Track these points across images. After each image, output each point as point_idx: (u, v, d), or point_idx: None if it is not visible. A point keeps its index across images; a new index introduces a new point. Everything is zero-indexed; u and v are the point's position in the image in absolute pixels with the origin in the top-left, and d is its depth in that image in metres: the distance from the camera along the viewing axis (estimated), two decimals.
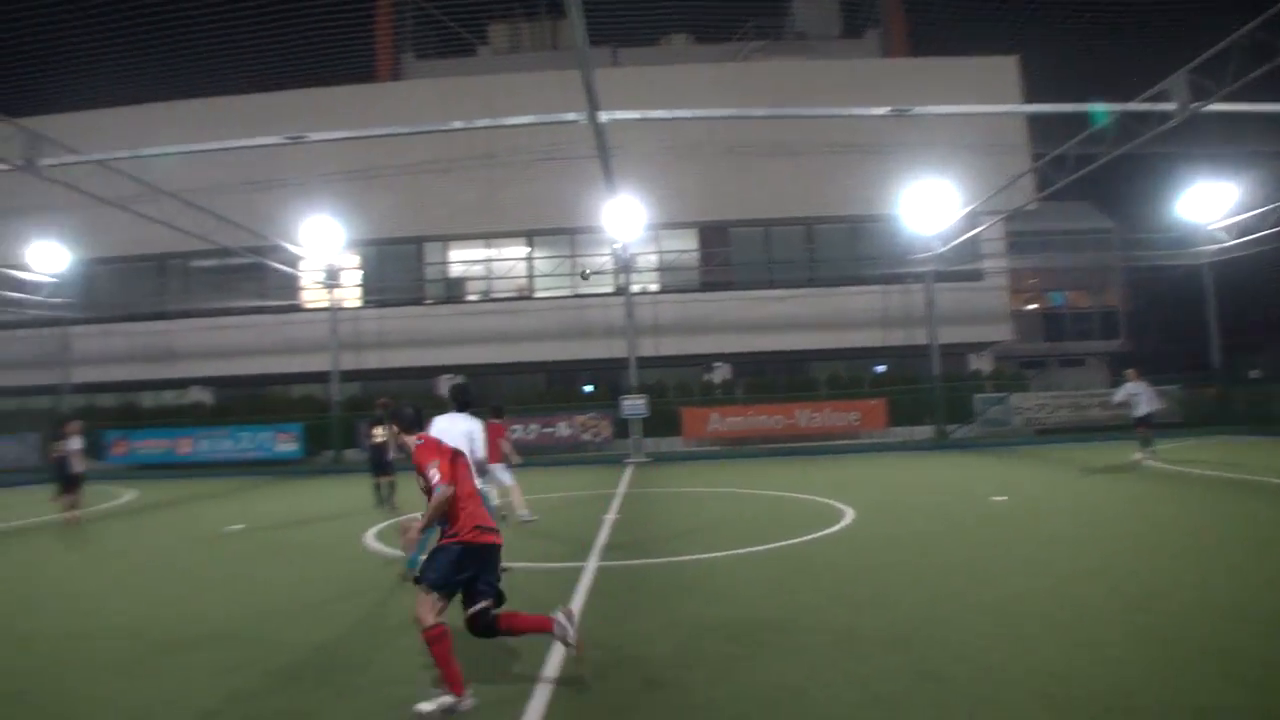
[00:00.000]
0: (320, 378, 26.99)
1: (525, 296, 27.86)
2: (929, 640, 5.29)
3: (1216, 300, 25.44)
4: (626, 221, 21.38)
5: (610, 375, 26.76)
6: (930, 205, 22.31)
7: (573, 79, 14.79)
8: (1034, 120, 25.04)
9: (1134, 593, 6.28)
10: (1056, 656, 4.87)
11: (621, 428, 24.03)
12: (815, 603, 6.40)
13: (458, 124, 15.92)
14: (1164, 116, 14.39)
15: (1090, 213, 35.76)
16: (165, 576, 8.76)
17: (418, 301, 28.24)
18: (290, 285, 27.90)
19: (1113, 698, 4.19)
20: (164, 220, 19.86)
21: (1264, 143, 21.21)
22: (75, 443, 13.53)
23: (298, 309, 28.35)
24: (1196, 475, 13.91)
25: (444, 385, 27.14)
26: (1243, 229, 23.74)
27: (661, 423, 24.26)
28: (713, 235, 27.58)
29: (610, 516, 11.76)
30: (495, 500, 11.54)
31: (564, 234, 27.50)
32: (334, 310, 26.74)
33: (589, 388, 27.25)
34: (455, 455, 4.78)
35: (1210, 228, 24.53)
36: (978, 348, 27.57)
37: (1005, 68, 26.84)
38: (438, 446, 4.77)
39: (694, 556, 8.46)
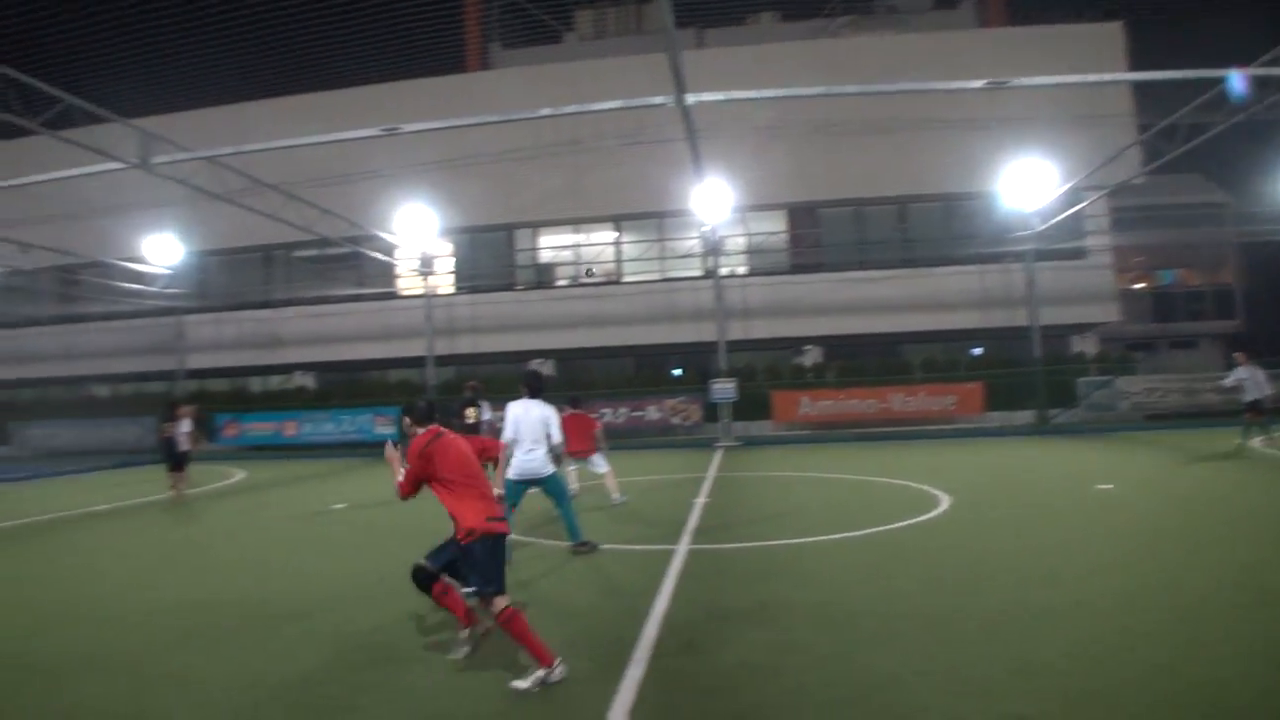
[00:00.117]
0: (416, 362, 27.73)
1: (614, 281, 27.99)
2: (1028, 631, 5.14)
3: None
4: (714, 204, 21.20)
5: (699, 359, 26.69)
6: (1029, 181, 21.44)
7: (658, 62, 14.71)
8: (1140, 89, 23.78)
9: (1249, 586, 5.98)
10: (1162, 652, 4.68)
11: (711, 411, 23.97)
12: (909, 590, 6.29)
13: (545, 111, 16.01)
14: None
15: (1203, 186, 33.86)
16: (271, 552, 9.15)
17: (508, 287, 28.69)
18: (387, 273, 28.71)
19: (1219, 695, 4.00)
20: (268, 213, 20.62)
21: None
22: (185, 425, 14.41)
23: (394, 296, 29.15)
24: None
25: (536, 369, 27.50)
26: None
27: (751, 406, 24.11)
28: (802, 216, 27.17)
29: (700, 500, 11.77)
30: (575, 485, 11.75)
31: (651, 218, 27.49)
32: (429, 297, 27.39)
33: (678, 371, 27.24)
34: (433, 454, 4.97)
35: None
36: (1081, 329, 26.45)
37: (1109, 34, 25.53)
38: (420, 452, 4.99)
39: (785, 541, 8.40)
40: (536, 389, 8.11)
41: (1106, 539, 7.96)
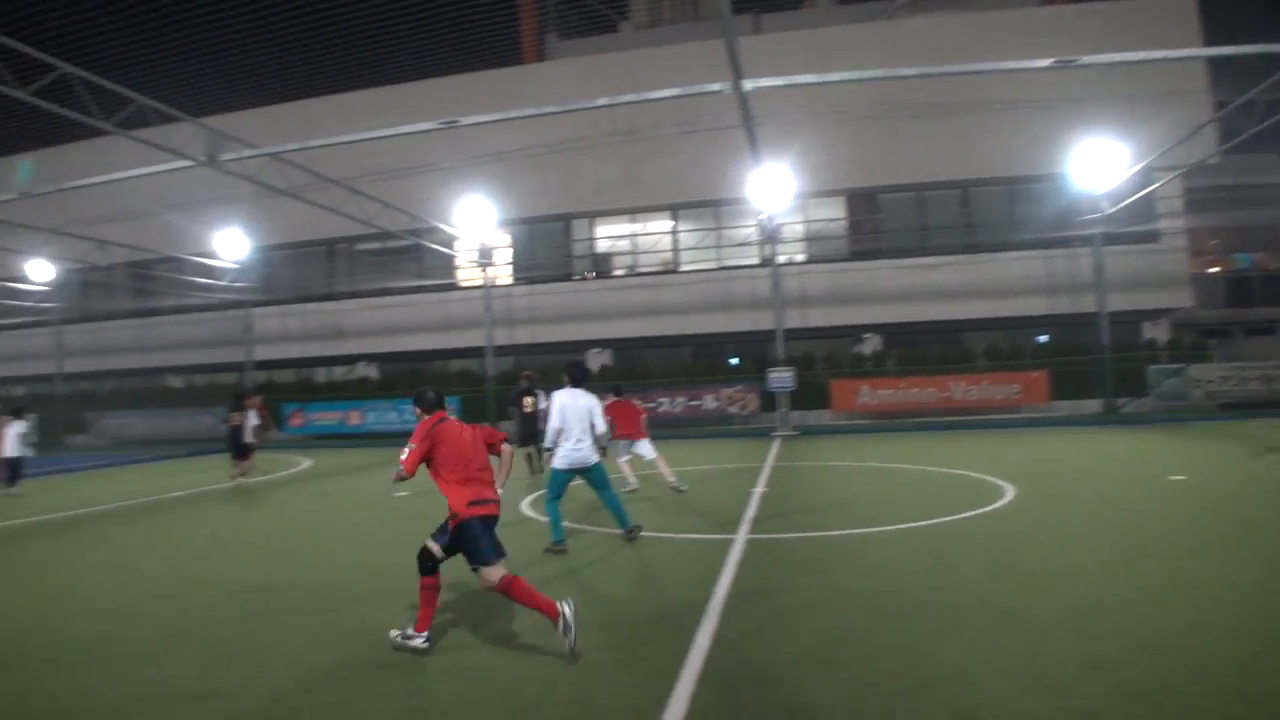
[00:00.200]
0: (475, 353, 28.11)
1: (671, 270, 27.96)
2: (1099, 626, 5.00)
3: None
4: (772, 191, 21.01)
5: (757, 347, 26.53)
6: (1098, 162, 20.81)
7: (714, 49, 14.63)
8: (1215, 65, 22.84)
9: None
10: (1241, 650, 4.52)
11: (768, 400, 23.84)
12: (974, 581, 6.18)
13: (602, 100, 16.05)
14: None
15: None
16: (337, 536, 9.36)
17: (566, 277, 28.85)
18: (447, 265, 29.11)
19: None
20: (331, 207, 21.04)
21: None
22: (253, 417, 14.98)
23: (454, 287, 29.54)
24: None
25: (592, 359, 27.68)
26: None
27: (809, 395, 23.92)
28: (861, 202, 26.76)
29: (758, 490, 11.71)
30: (633, 479, 11.79)
31: (708, 206, 27.36)
32: (487, 288, 27.70)
33: (735, 360, 27.12)
34: (436, 436, 5.19)
35: None
36: (1152, 315, 25.61)
37: (1181, 8, 24.56)
38: (427, 433, 5.21)
39: (845, 531, 8.33)
40: (579, 378, 8.20)
41: (1180, 532, 7.73)
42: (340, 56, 28.89)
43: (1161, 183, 21.75)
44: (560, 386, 8.24)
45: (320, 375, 31.63)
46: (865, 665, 4.50)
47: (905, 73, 16.22)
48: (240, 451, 15.01)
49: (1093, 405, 22.99)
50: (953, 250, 25.54)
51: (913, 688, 4.16)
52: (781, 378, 22.93)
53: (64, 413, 32.26)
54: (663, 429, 24.30)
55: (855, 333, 26.23)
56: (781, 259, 25.60)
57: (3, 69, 11.75)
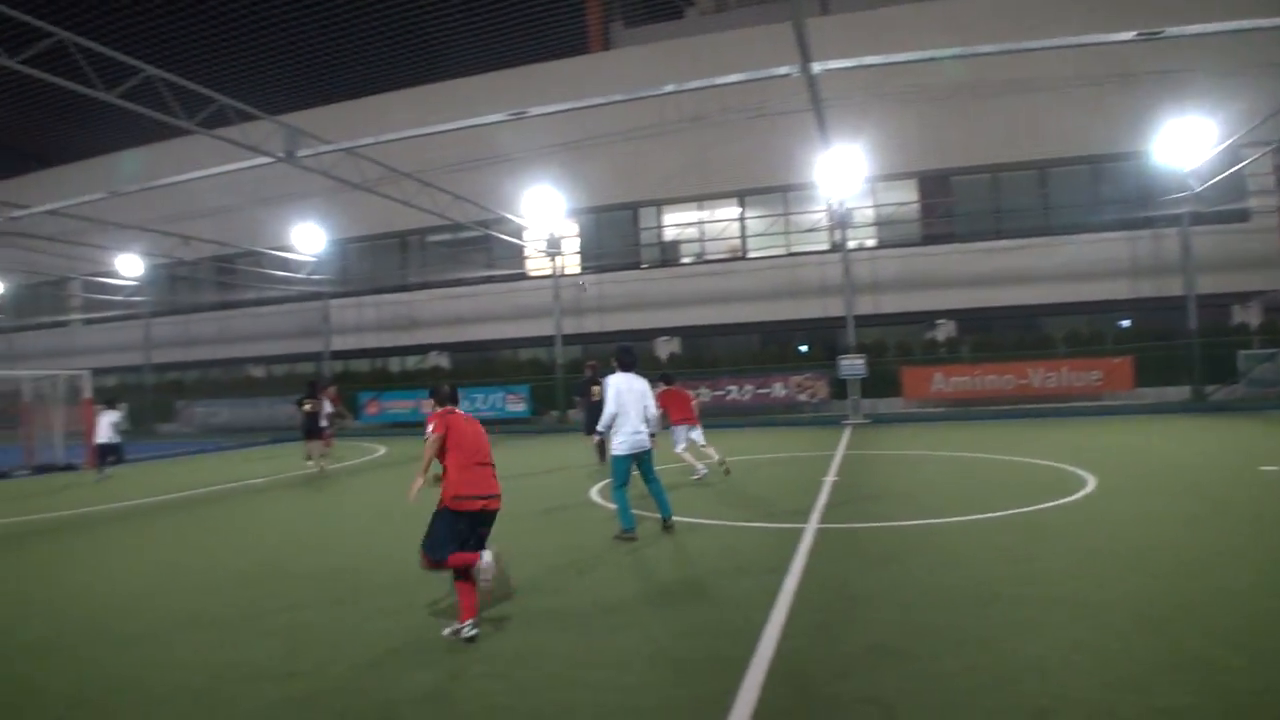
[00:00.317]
0: (545, 342, 28.39)
1: (739, 257, 27.78)
2: (1184, 622, 4.81)
3: None
4: (842, 176, 20.69)
5: (826, 335, 26.20)
6: (1185, 139, 19.96)
7: (781, 32, 14.47)
8: None
9: None
10: None
11: (839, 388, 23.56)
12: (1053, 574, 6.02)
13: (669, 87, 15.99)
14: None
15: None
16: (410, 522, 9.51)
17: (634, 266, 28.89)
18: (516, 255, 29.42)
19: None
20: (403, 200, 21.42)
21: None
22: (328, 406, 15.74)
23: (523, 277, 29.85)
24: None
25: (661, 347, 27.72)
26: None
27: (881, 383, 23.56)
28: (934, 185, 26.13)
29: (829, 478, 11.59)
30: (701, 467, 11.85)
31: (777, 192, 27.06)
32: (556, 277, 27.93)
33: (804, 348, 26.84)
34: (450, 425, 5.59)
35: None
36: (1243, 298, 24.46)
37: None
38: (443, 418, 5.62)
39: (919, 521, 8.18)
40: (629, 363, 8.24)
41: (1270, 526, 7.39)
42: (411, 51, 29.38)
43: (1252, 159, 20.72)
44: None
45: (394, 365, 32.34)
46: (939, 658, 4.42)
47: (980, 50, 15.82)
48: (314, 435, 15.85)
49: (1179, 392, 22.14)
50: (1029, 233, 24.76)
51: (989, 682, 4.08)
52: (852, 365, 22.63)
53: (153, 402, 33.64)
54: (731, 417, 24.28)
55: (928, 319, 25.67)
56: (852, 244, 25.22)
57: (91, 73, 12.23)
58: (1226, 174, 20.98)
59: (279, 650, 5.12)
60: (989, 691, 3.97)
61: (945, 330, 25.57)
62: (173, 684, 4.59)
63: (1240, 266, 23.18)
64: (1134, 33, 14.08)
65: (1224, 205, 22.73)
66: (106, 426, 16.79)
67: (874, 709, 3.84)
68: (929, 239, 25.85)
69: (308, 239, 26.89)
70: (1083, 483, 10.06)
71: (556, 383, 26.92)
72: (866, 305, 25.14)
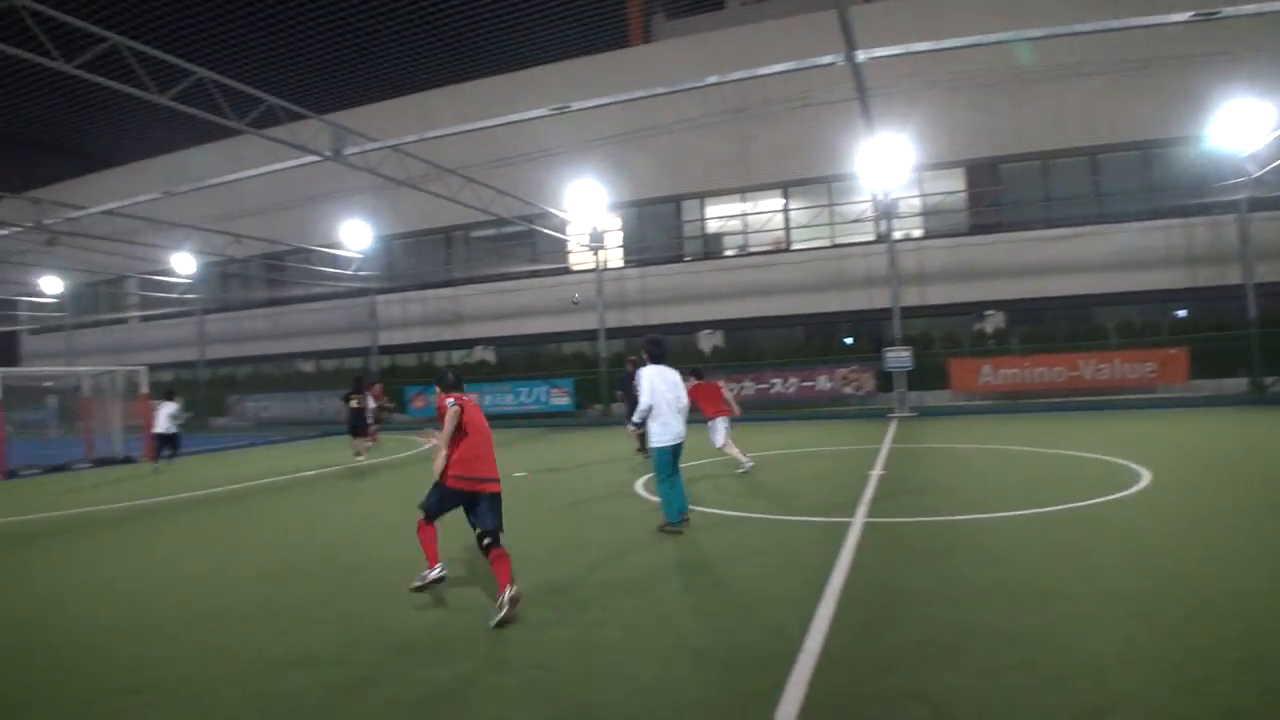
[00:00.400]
0: (588, 335, 28.47)
1: (782, 249, 27.58)
2: (1244, 622, 4.69)
3: None
4: (887, 165, 20.42)
5: (872, 327, 25.92)
6: (1242, 122, 19.35)
7: (824, 20, 14.30)
8: None
9: None
10: None
11: (885, 381, 23.30)
12: (1108, 571, 5.90)
13: (712, 79, 15.88)
14: None
15: None
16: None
17: (677, 259, 28.84)
18: (559, 249, 29.54)
19: None
20: (448, 196, 21.60)
21: None
22: (371, 401, 16.40)
23: (567, 271, 29.97)
24: None
25: (704, 340, 27.66)
26: None
27: (927, 375, 23.25)
28: (982, 174, 25.66)
29: (876, 472, 11.48)
30: (746, 459, 11.84)
31: (821, 183, 26.80)
32: (599, 271, 28.00)
33: (849, 340, 26.59)
34: (469, 412, 5.97)
35: None
36: None
37: None
38: (459, 410, 5.92)
39: (968, 516, 8.07)
40: (658, 355, 8.24)
41: None
42: (455, 49, 29.61)
43: None
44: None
45: (440, 359, 32.67)
46: (992, 654, 4.36)
47: (1028, 34, 15.50)
48: (360, 430, 16.27)
49: (1237, 385, 21.52)
50: (1081, 221, 24.21)
51: (1042, 679, 4.01)
52: (898, 357, 22.37)
53: (206, 396, 34.40)
54: (775, 410, 24.16)
55: (976, 310, 25.24)
56: (898, 234, 24.89)
57: (145, 76, 12.50)
58: None
59: (332, 639, 5.22)
60: (1042, 689, 3.91)
61: (994, 321, 25.12)
62: (229, 670, 4.70)
63: None
64: (1189, 13, 13.69)
65: None
66: (164, 418, 17.27)
67: (923, 706, 3.80)
68: (977, 229, 25.39)
69: (355, 236, 27.26)
70: (1137, 477, 9.84)
71: (600, 376, 27.00)
72: (913, 296, 24.82)
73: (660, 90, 16.18)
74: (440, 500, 5.97)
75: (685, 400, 8.23)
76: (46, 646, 5.38)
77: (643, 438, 13.79)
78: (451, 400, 5.92)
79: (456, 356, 32.26)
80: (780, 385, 24.54)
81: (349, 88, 30.92)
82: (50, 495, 13.89)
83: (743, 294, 27.31)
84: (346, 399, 16.65)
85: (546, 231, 26.78)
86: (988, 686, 3.98)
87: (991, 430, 16.95)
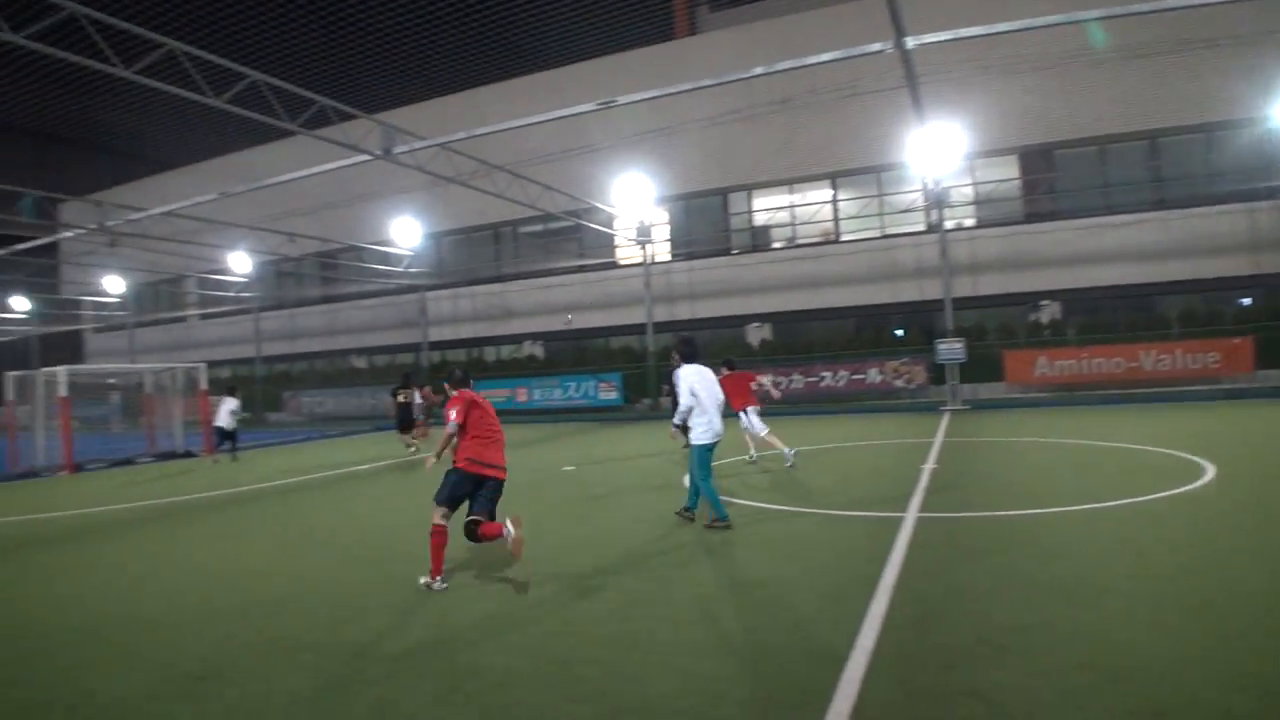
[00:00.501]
0: (636, 329, 28.51)
1: (831, 240, 27.30)
2: None
3: None
4: (937, 153, 20.07)
5: (923, 318, 25.54)
6: None
7: (872, 7, 14.08)
8: None
9: None
10: None
11: (937, 373, 22.96)
12: (1169, 569, 5.74)
13: (758, 70, 15.74)
14: None
15: None
16: (509, 511, 9.67)
17: (724, 252, 28.71)
18: (606, 244, 29.60)
19: None
20: (496, 192, 21.75)
21: None
22: (418, 396, 17.07)
23: (614, 266, 30.02)
24: None
25: (752, 333, 27.52)
26: None
27: (981, 367, 22.85)
28: (1036, 160, 25.09)
29: (928, 466, 11.32)
30: (787, 451, 11.85)
31: (870, 172, 26.45)
32: (647, 265, 28.00)
33: (900, 332, 26.24)
34: (472, 407, 6.57)
35: None
36: None
37: None
38: (462, 401, 6.58)
39: (1024, 511, 7.92)
40: (691, 354, 8.34)
41: None
42: (501, 46, 29.80)
43: None
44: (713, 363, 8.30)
45: (490, 354, 32.99)
46: (1049, 653, 4.28)
47: (1083, 16, 15.08)
48: (407, 425, 16.94)
49: None
50: (1140, 207, 23.55)
51: (1101, 679, 3.92)
52: (951, 349, 22.03)
53: (263, 392, 35.15)
54: (825, 404, 23.96)
55: (1031, 300, 24.70)
56: (949, 224, 24.49)
57: (201, 80, 12.78)
58: None
59: (393, 623, 5.31)
60: (1101, 689, 3.82)
61: (1049, 312, 24.57)
62: (293, 661, 4.80)
63: None
64: None
65: None
66: (226, 414, 17.72)
67: (980, 704, 3.74)
68: (1031, 217, 24.85)
69: (405, 233, 27.62)
70: (1200, 471, 9.57)
71: (648, 370, 27.02)
72: (965, 287, 24.41)
73: (706, 83, 16.08)
74: (454, 488, 6.39)
75: (722, 397, 8.25)
76: (128, 627, 5.54)
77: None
78: (453, 413, 6.54)
79: (505, 351, 32.55)
80: (830, 378, 24.32)
81: (398, 87, 31.31)
82: (118, 488, 14.30)
83: (791, 286, 27.10)
84: (395, 394, 17.09)
85: (593, 226, 26.84)
86: (1044, 685, 3.90)
87: (1047, 423, 16.62)
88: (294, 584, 6.72)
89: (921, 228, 25.74)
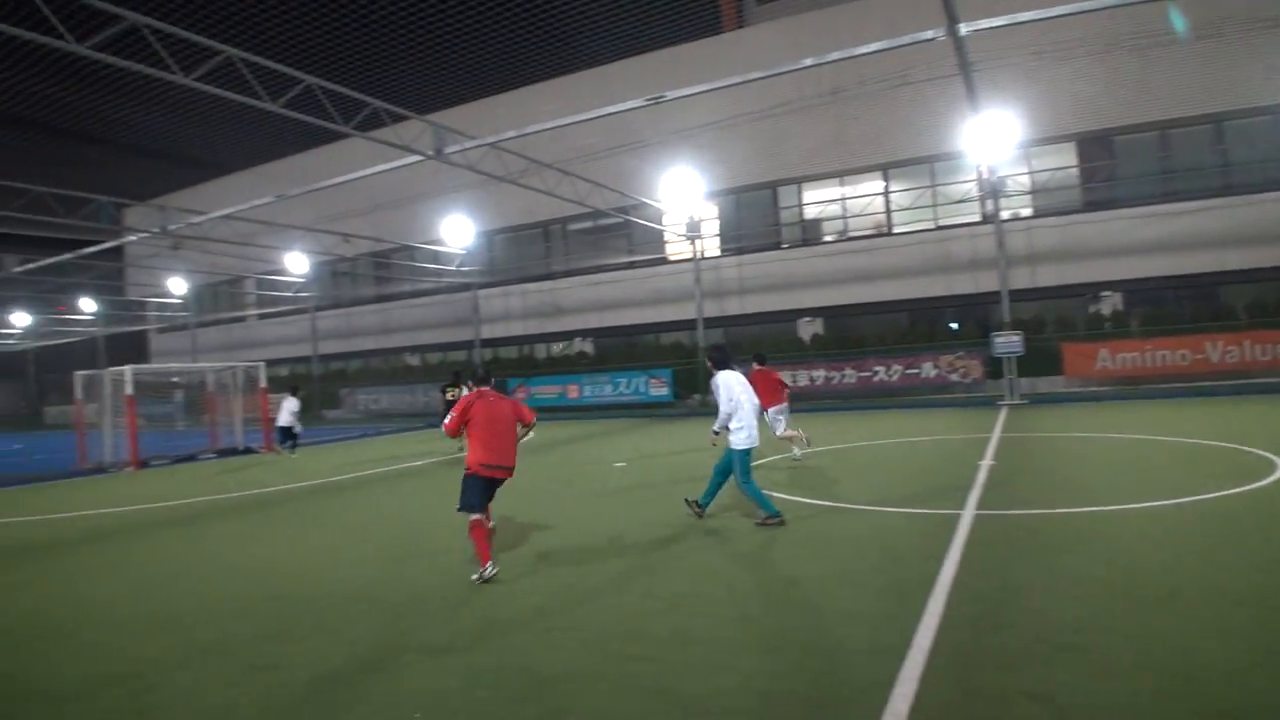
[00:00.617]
0: (687, 325, 28.47)
1: (883, 233, 26.94)
2: None
3: None
4: (992, 142, 19.65)
5: (979, 311, 25.09)
6: None
7: None
8: None
9: None
10: None
11: (994, 367, 22.55)
12: (1238, 568, 5.56)
13: (808, 61, 15.59)
14: None
15: None
16: (554, 503, 9.76)
17: (774, 246, 28.52)
18: (656, 240, 29.58)
19: None
20: (546, 190, 21.88)
21: None
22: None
23: (664, 262, 30.00)
24: None
25: (803, 328, 27.31)
26: None
27: (1039, 360, 22.37)
28: (1094, 147, 24.43)
29: (986, 462, 11.12)
30: (798, 450, 11.81)
31: (922, 163, 26.02)
32: (697, 260, 27.93)
33: (955, 325, 25.81)
34: (472, 410, 6.74)
35: None
36: None
37: None
38: (465, 404, 6.79)
39: (1085, 509, 7.74)
40: (722, 360, 8.32)
41: None
42: (549, 44, 29.89)
43: None
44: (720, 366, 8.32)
45: (540, 351, 33.22)
46: (1113, 654, 4.18)
47: None
48: None
49: None
50: (1204, 194, 22.79)
51: (1166, 682, 3.82)
52: (1008, 342, 21.61)
53: (320, 390, 35.85)
54: (879, 399, 23.70)
55: (1091, 291, 24.09)
56: (1005, 214, 24.00)
57: (258, 86, 13.05)
58: None
59: (440, 625, 5.38)
60: (1167, 692, 3.72)
61: (1110, 303, 23.95)
62: (348, 655, 4.89)
63: None
64: None
65: None
66: (287, 412, 18.11)
67: (1042, 707, 3.66)
68: (1090, 205, 24.23)
69: (456, 232, 27.92)
70: (1270, 467, 9.26)
71: (698, 366, 26.97)
72: (1022, 278, 23.92)
73: (755, 75, 15.95)
74: (479, 492, 6.62)
75: (757, 401, 8.34)
76: (213, 605, 5.71)
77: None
78: (449, 419, 6.90)
79: (556, 348, 32.75)
80: (883, 373, 24.03)
81: (448, 88, 31.58)
82: (186, 483, 14.68)
83: (843, 280, 26.82)
84: (444, 391, 17.21)
85: (643, 223, 26.85)
86: (1106, 688, 3.81)
87: (1109, 418, 16.22)
88: (354, 575, 6.84)
89: (976, 218, 25.28)
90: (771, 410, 12.04)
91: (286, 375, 35.16)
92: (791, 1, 32.20)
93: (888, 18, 22.25)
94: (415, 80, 30.42)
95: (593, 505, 9.84)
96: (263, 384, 21.95)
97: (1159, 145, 23.66)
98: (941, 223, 25.95)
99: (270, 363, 26.27)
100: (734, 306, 28.42)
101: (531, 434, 7.35)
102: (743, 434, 7.97)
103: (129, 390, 18.46)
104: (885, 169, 26.73)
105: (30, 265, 27.75)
